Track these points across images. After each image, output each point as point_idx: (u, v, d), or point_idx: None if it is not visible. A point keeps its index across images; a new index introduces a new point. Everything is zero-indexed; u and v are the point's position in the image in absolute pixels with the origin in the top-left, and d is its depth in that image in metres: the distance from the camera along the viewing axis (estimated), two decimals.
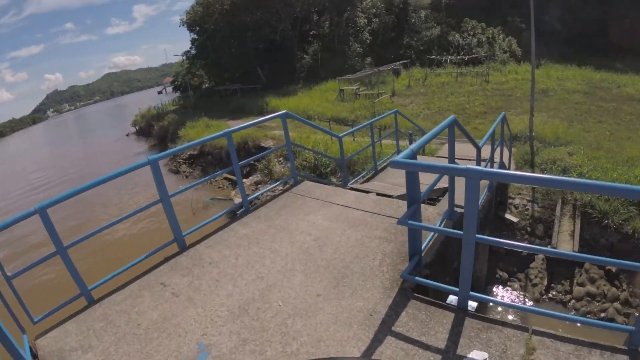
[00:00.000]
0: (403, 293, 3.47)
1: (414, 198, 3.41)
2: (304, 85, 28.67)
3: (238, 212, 5.76)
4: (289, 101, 23.50)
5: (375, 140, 8.72)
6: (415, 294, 3.48)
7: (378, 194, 5.85)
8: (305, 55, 31.17)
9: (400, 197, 5.76)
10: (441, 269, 4.39)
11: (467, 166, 2.77)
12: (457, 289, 3.23)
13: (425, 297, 3.45)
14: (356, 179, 8.54)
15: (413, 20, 30.45)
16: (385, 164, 9.03)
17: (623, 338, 2.80)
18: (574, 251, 8.62)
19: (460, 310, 3.23)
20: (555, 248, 8.68)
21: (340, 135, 7.48)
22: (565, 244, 8.88)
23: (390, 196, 5.79)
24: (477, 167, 2.77)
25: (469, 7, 30.44)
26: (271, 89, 29.32)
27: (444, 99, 20.40)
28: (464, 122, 16.23)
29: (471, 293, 3.19)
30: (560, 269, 8.76)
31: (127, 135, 39.37)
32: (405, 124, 14.91)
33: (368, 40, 30.26)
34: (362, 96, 21.62)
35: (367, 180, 8.23)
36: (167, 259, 4.55)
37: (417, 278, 3.49)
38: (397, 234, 4.44)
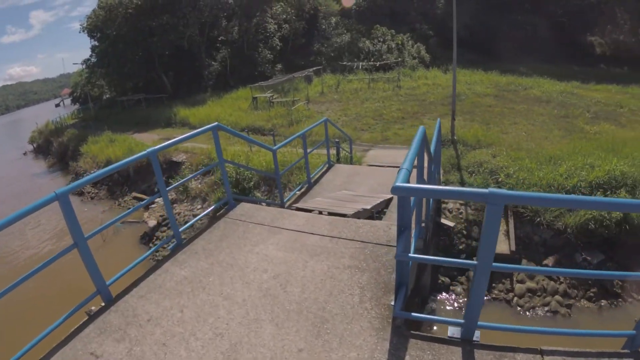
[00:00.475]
0: (398, 333, 2.97)
1: (405, 225, 2.88)
2: (213, 93, 27.47)
3: (169, 247, 4.75)
4: (199, 111, 22.24)
5: (308, 151, 8.18)
6: (412, 332, 2.99)
7: (330, 213, 5.36)
8: (213, 62, 30.05)
9: (356, 215, 5.32)
10: (414, 295, 4.01)
11: (489, 190, 2.35)
12: (461, 321, 2.88)
13: (424, 334, 2.99)
14: (292, 194, 7.90)
15: (323, 26, 30.75)
16: (317, 176, 8.63)
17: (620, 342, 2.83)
18: (510, 250, 8.85)
19: (466, 342, 2.87)
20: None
21: (274, 147, 6.78)
22: (502, 244, 9.06)
23: (344, 215, 5.33)
24: (501, 191, 2.35)
25: (379, 14, 31.46)
26: (178, 98, 27.75)
27: (359, 105, 20.52)
28: (384, 128, 16.40)
29: (479, 323, 2.81)
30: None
31: (24, 154, 35.06)
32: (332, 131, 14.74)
33: (278, 47, 29.93)
34: (277, 104, 21.12)
35: (303, 194, 7.66)
36: (92, 317, 3.51)
37: (414, 314, 3.02)
38: (368, 261, 3.92)
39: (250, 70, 28.64)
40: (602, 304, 8.19)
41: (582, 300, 8.37)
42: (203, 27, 29.24)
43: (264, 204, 6.35)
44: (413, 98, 20.65)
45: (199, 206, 11.64)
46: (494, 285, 8.72)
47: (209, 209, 6.04)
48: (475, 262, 2.65)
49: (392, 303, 3.22)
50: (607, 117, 15.31)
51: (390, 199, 6.70)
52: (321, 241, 4.44)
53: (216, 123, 5.36)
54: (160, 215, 12.15)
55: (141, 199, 14.59)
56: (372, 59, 27.69)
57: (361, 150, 13.53)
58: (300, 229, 4.76)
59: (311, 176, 8.21)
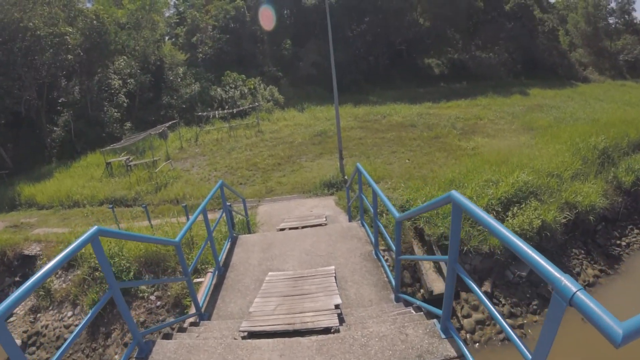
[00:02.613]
0: None
1: None
2: (60, 163, 22.88)
3: None
4: (46, 186, 17.60)
5: (212, 228, 6.44)
6: None
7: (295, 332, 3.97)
8: (55, 128, 25.62)
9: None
10: None
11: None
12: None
13: None
14: (204, 293, 5.91)
15: (171, 77, 28.68)
16: (223, 257, 6.95)
17: None
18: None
19: None
20: (431, 290, 8.25)
21: (177, 238, 4.44)
22: (437, 282, 8.56)
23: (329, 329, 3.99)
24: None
25: (227, 61, 30.34)
26: (21, 173, 22.71)
27: (227, 156, 18.97)
28: (263, 178, 15.06)
29: None
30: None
31: None
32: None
33: (125, 103, 26.85)
34: (135, 167, 18.43)
35: (216, 288, 5.72)
36: None
37: None
38: None
39: (98, 132, 24.94)
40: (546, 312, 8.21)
41: (528, 315, 8.29)
42: (41, 89, 24.87)
43: (174, 327, 4.45)
44: (280, 141, 19.89)
45: (69, 314, 8.81)
46: None
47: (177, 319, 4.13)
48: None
49: None
50: (474, 130, 16.42)
51: (332, 271, 5.60)
52: None
53: (96, 228, 3.25)
54: (24, 331, 8.95)
55: None
56: (227, 107, 26.57)
57: (249, 207, 12.15)
58: None
59: (219, 260, 6.33)
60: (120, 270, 8.41)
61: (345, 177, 12.51)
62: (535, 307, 8.36)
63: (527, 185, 9.58)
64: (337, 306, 4.14)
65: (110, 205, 10.67)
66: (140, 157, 20.21)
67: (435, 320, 3.43)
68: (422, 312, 3.93)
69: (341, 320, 3.84)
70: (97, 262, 8.43)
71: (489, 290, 8.49)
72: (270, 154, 18.03)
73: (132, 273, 8.46)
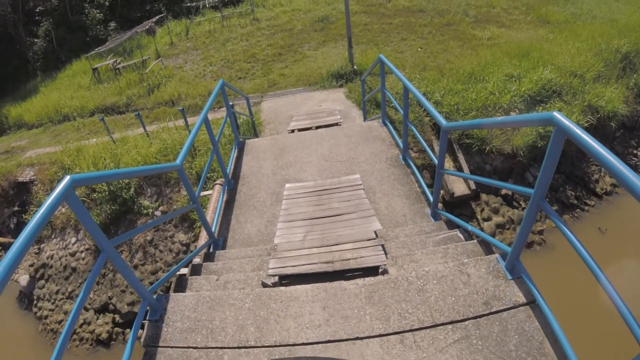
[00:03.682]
0: None
1: None
2: (45, 76, 21.23)
3: None
4: (33, 104, 16.64)
5: (217, 138, 5.48)
6: None
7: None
8: (36, 40, 23.42)
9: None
10: None
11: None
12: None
13: None
14: (216, 218, 5.36)
15: None
16: (232, 168, 6.21)
17: None
18: (470, 189, 7.86)
19: None
20: (452, 192, 7.74)
21: (177, 161, 3.54)
22: (459, 183, 7.99)
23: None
24: None
25: None
26: (7, 95, 21.23)
27: (222, 49, 17.31)
28: (264, 70, 13.78)
29: None
30: (461, 211, 7.99)
31: None
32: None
33: (107, 2, 24.30)
34: (124, 70, 16.94)
35: (228, 205, 5.16)
36: None
37: None
38: None
39: (81, 37, 22.71)
40: (566, 220, 7.98)
41: (547, 220, 8.03)
42: (15, 1, 22.31)
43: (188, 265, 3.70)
44: (278, 29, 18.07)
45: (73, 240, 8.33)
46: None
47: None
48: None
49: None
50: (487, 19, 14.75)
51: (359, 181, 4.90)
52: None
53: (69, 179, 2.01)
54: (31, 265, 8.53)
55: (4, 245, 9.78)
56: None
57: (251, 104, 11.20)
58: None
59: (227, 172, 5.49)
60: (120, 188, 7.72)
61: (355, 67, 11.34)
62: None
63: (551, 83, 8.74)
64: (377, 233, 3.52)
65: (101, 117, 9.64)
66: (129, 59, 18.50)
67: (497, 256, 2.81)
68: (473, 240, 3.30)
69: (384, 251, 3.22)
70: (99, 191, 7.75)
71: (510, 193, 8.02)
72: (268, 44, 16.46)
73: (132, 189, 7.79)
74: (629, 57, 10.57)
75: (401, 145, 5.48)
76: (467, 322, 2.49)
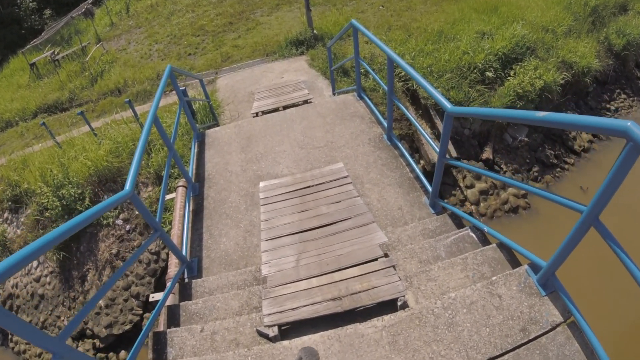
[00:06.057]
0: None
1: None
2: None
3: None
4: None
5: (172, 139, 4.41)
6: None
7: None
8: None
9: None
10: None
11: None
12: None
13: None
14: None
15: None
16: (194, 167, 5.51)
17: None
18: (452, 156, 7.50)
19: None
20: (433, 162, 7.34)
21: (127, 188, 2.95)
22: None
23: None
24: None
25: None
26: None
27: (166, 24, 15.80)
28: (215, 43, 12.62)
29: None
30: (443, 179, 7.65)
31: None
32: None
33: None
34: (63, 61, 15.25)
35: (196, 215, 4.38)
36: None
37: None
38: None
39: (16, 30, 20.55)
40: (548, 180, 7.81)
41: (529, 182, 7.89)
42: None
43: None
44: None
45: (35, 264, 7.31)
46: (445, 200, 7.51)
47: None
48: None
49: None
50: None
51: (343, 171, 4.34)
52: None
53: None
54: None
55: None
56: None
57: (205, 82, 10.27)
58: None
59: (190, 176, 4.73)
60: (73, 200, 6.79)
61: (315, 31, 10.52)
62: (535, 173, 7.91)
63: (524, 39, 8.35)
64: (385, 252, 2.97)
65: (42, 122, 8.53)
66: (67, 47, 16.75)
67: (527, 268, 2.39)
68: (491, 244, 2.87)
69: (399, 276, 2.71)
70: (47, 198, 6.82)
71: (491, 157, 7.72)
72: (217, 13, 15.26)
73: (87, 200, 6.89)
74: (598, 10, 10.31)
75: (384, 123, 4.94)
76: (506, 357, 2.08)
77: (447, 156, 3.29)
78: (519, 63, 8.18)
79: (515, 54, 8.27)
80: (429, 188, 3.80)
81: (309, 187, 4.11)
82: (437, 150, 3.25)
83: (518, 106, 7.68)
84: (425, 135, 3.82)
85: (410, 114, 4.34)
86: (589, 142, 8.68)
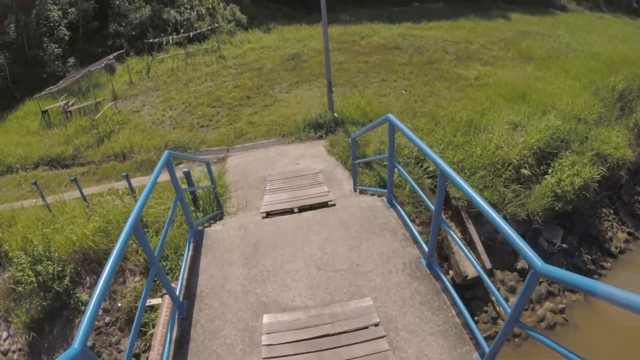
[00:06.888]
0: None
1: None
2: None
3: None
4: None
5: (157, 251, 3.53)
6: None
7: None
8: None
9: None
10: None
11: None
12: None
13: None
14: None
15: (117, 2, 23.79)
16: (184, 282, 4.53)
17: None
18: (486, 268, 6.54)
19: None
20: (465, 275, 6.36)
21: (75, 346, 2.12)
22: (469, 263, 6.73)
23: None
24: None
25: None
26: None
27: (184, 90, 15.63)
28: (230, 117, 12.05)
29: None
30: (474, 293, 6.65)
31: None
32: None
33: (67, 37, 22.34)
34: (75, 113, 14.97)
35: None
36: None
37: None
38: None
39: (38, 74, 20.66)
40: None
41: (566, 293, 6.93)
42: None
43: None
44: (246, 68, 16.71)
45: (4, 335, 6.47)
46: (476, 318, 6.46)
47: None
48: None
49: None
50: (469, 56, 13.86)
51: (374, 315, 3.38)
52: None
53: None
54: None
55: None
56: (182, 30, 22.56)
57: (214, 159, 9.57)
58: None
59: (177, 295, 3.83)
60: (52, 278, 5.98)
61: (335, 114, 9.96)
62: None
63: (559, 132, 7.75)
64: None
65: (34, 182, 7.89)
66: (83, 99, 16.60)
67: None
68: None
69: None
70: (22, 272, 6.03)
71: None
72: (235, 85, 15.01)
73: (67, 279, 6.05)
74: (625, 95, 9.86)
75: (421, 242, 4.06)
76: None
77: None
78: (555, 158, 7.49)
79: (550, 147, 7.60)
80: (482, 342, 2.84)
81: (327, 335, 3.15)
82: (477, 266, 2.35)
83: (557, 208, 6.93)
84: (463, 247, 2.99)
85: (452, 232, 3.44)
86: (625, 241, 8.10)
